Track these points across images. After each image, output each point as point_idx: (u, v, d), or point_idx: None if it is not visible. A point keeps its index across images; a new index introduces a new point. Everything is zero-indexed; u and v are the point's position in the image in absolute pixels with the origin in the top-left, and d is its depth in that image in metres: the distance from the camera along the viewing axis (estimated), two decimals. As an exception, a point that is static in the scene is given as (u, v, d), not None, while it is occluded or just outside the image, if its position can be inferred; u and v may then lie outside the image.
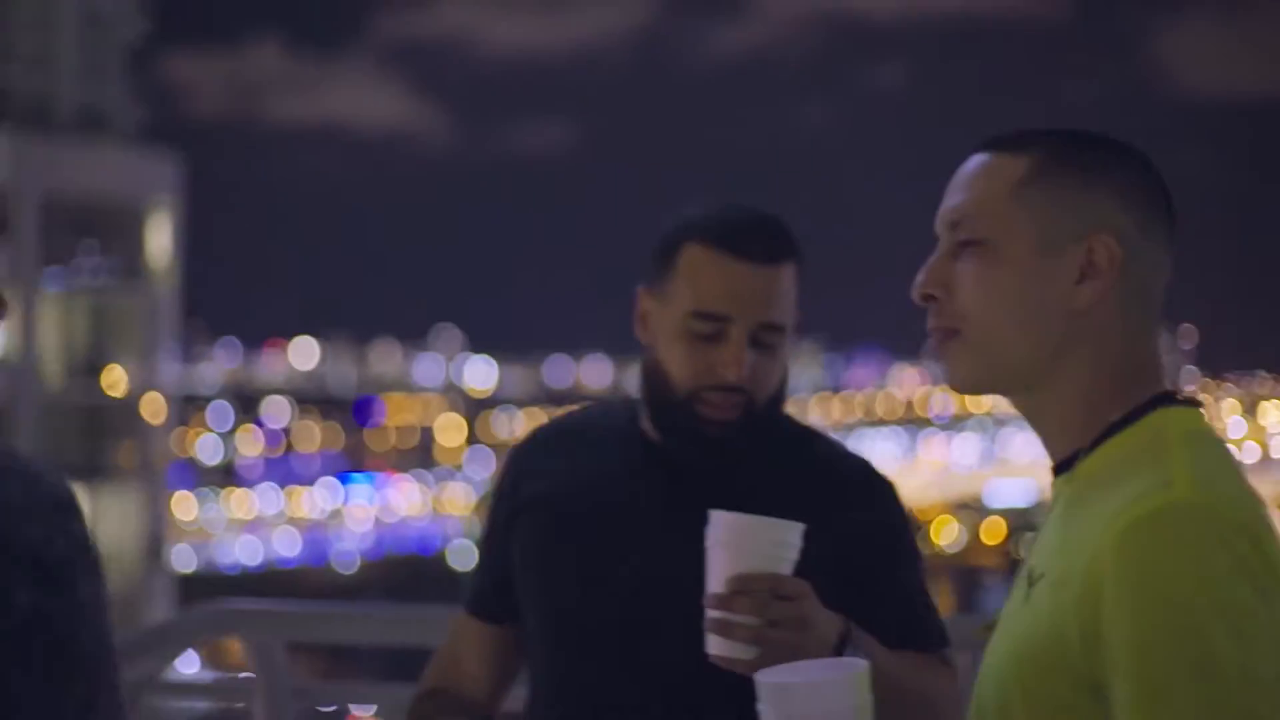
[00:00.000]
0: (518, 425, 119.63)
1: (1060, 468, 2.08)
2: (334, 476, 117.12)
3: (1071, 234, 2.04)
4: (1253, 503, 1.90)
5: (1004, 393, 2.10)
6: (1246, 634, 1.78)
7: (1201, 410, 2.05)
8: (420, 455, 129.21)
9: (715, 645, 2.51)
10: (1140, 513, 1.85)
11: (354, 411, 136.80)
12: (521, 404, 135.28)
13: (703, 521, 2.59)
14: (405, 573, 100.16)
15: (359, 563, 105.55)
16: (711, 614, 2.50)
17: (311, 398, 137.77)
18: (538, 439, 3.13)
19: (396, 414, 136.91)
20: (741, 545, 2.50)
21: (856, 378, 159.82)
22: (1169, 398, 2.04)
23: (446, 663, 3.18)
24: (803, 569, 2.53)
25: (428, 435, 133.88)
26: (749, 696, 2.40)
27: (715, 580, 2.51)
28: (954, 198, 2.11)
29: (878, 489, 2.95)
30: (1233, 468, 1.97)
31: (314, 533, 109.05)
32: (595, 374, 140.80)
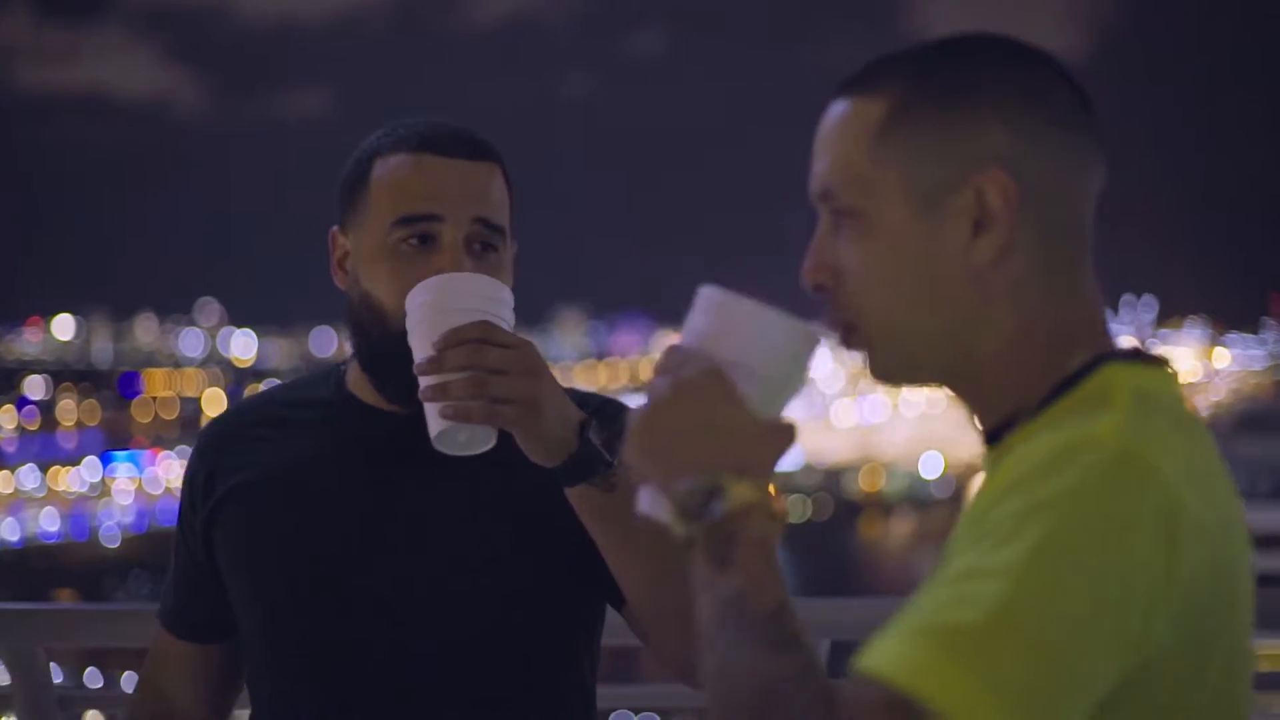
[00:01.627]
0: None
1: (991, 437, 1.72)
2: (97, 457, 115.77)
3: (951, 180, 1.65)
4: (1204, 490, 1.55)
5: (934, 382, 1.74)
6: (1066, 606, 1.43)
7: (1166, 370, 1.68)
8: (187, 429, 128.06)
9: (437, 420, 2.24)
10: (1045, 449, 1.53)
11: (119, 386, 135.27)
12: (286, 376, 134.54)
13: (431, 488, 2.44)
14: (171, 544, 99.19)
15: (122, 536, 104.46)
16: (425, 384, 2.23)
17: (71, 374, 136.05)
18: (228, 425, 2.65)
19: (160, 388, 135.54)
20: (446, 304, 2.25)
21: (620, 344, 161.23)
22: (1124, 354, 1.68)
23: (152, 692, 2.75)
24: (555, 494, 2.32)
25: (195, 409, 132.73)
26: (500, 689, 2.46)
27: (422, 349, 2.26)
28: (817, 162, 1.73)
29: (617, 410, 2.45)
30: (1192, 441, 1.60)
31: (78, 508, 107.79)
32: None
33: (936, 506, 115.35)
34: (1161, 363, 1.68)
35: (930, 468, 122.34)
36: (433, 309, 2.25)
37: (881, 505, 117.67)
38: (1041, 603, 1.41)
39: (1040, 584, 1.42)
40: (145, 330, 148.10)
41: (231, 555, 2.54)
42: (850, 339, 1.72)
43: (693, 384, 1.66)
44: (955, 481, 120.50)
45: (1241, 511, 1.63)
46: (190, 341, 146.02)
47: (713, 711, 1.52)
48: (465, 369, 2.21)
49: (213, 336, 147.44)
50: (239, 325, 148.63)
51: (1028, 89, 1.67)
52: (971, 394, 1.71)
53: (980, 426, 1.72)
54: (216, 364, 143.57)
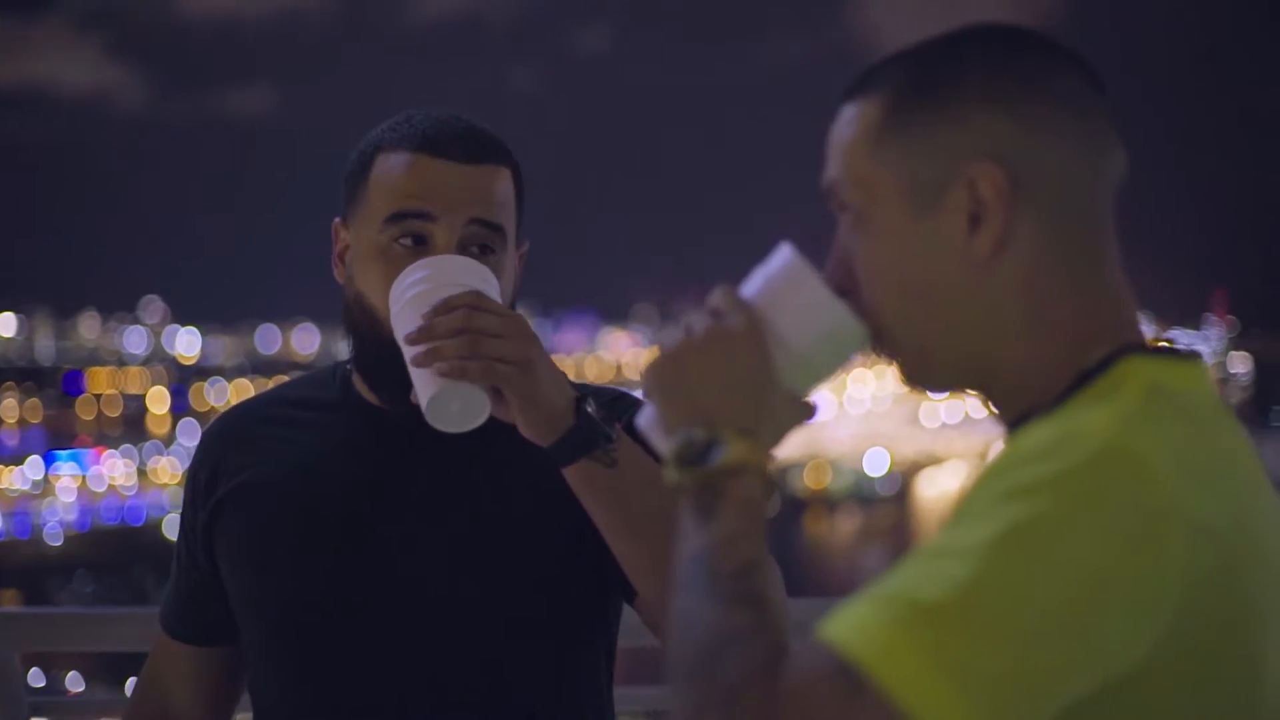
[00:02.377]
0: (228, 396, 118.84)
1: (1010, 430, 1.67)
2: (39, 455, 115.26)
3: (945, 175, 1.61)
4: (1217, 493, 1.48)
5: (960, 386, 1.69)
6: (1029, 594, 1.37)
7: (1194, 365, 1.61)
8: (130, 427, 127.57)
9: (428, 385, 2.19)
10: (1038, 438, 1.49)
11: (62, 384, 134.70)
12: (231, 374, 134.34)
13: (437, 491, 2.41)
14: (115, 543, 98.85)
15: (66, 535, 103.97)
16: (416, 352, 2.20)
17: (14, 372, 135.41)
18: (231, 424, 2.58)
19: (103, 386, 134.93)
20: (434, 280, 2.23)
21: (566, 341, 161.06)
22: (1148, 348, 1.61)
23: (151, 695, 2.69)
24: (562, 490, 2.28)
25: (139, 407, 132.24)
26: (512, 688, 2.41)
27: (412, 323, 2.22)
28: (827, 167, 1.71)
29: (632, 403, 2.46)
30: (1210, 440, 1.54)
31: (21, 506, 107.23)
32: (304, 342, 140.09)
33: (882, 504, 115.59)
34: (1190, 357, 1.62)
35: (876, 465, 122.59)
36: (422, 284, 2.23)
37: (827, 502, 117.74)
38: (1003, 589, 1.37)
39: (1005, 570, 1.37)
40: (88, 328, 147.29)
41: (234, 556, 2.49)
42: (878, 344, 1.69)
43: (730, 335, 1.66)
44: (901, 479, 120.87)
45: (1276, 515, 1.56)
46: (134, 339, 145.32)
47: (668, 657, 1.51)
48: (459, 333, 2.17)
49: (157, 334, 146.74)
50: (183, 323, 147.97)
51: (1024, 76, 1.62)
52: (995, 394, 1.66)
53: (1002, 423, 1.67)
54: (160, 362, 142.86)
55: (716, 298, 1.69)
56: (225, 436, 2.55)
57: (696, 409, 1.63)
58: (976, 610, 1.36)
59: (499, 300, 2.27)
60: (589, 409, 2.23)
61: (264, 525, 2.45)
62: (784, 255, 1.70)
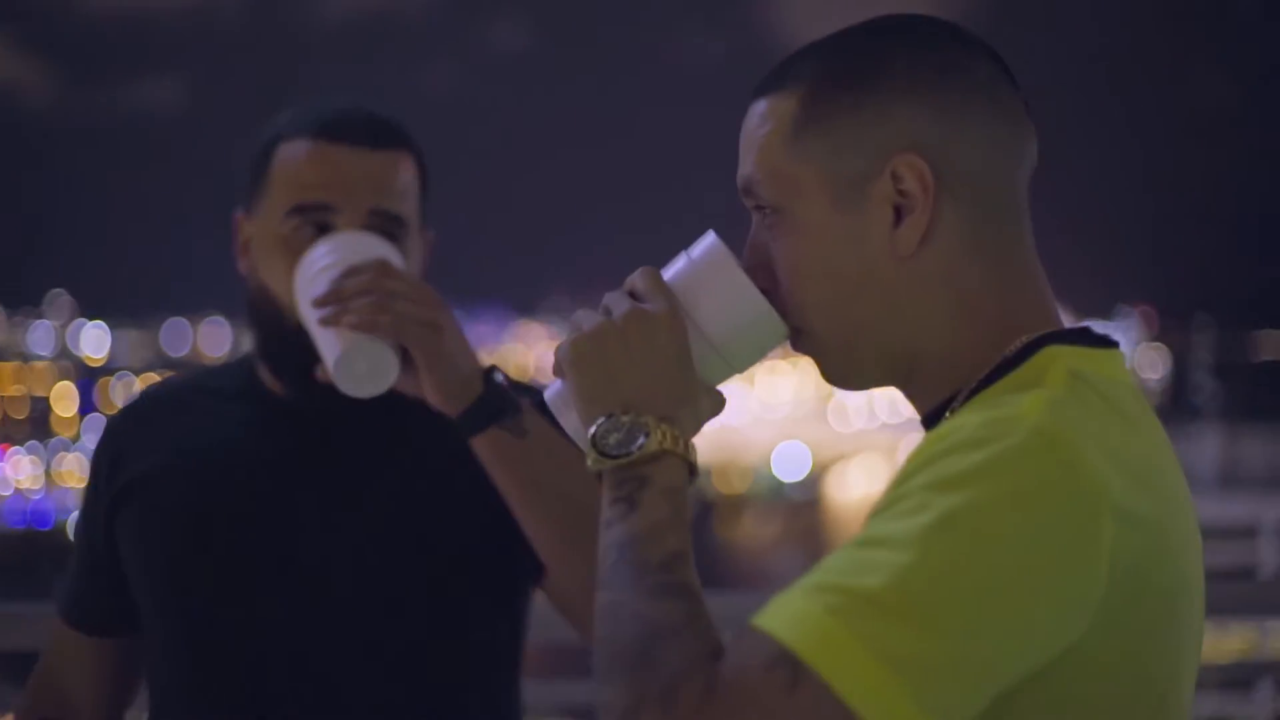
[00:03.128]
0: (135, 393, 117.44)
1: (929, 421, 1.65)
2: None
3: (867, 169, 1.58)
4: (1138, 479, 1.47)
5: (883, 381, 1.67)
6: (965, 582, 1.37)
7: (1112, 352, 1.61)
8: (36, 427, 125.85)
9: (335, 344, 2.18)
10: (966, 426, 1.46)
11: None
12: (139, 371, 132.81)
13: (341, 479, 2.38)
14: (21, 546, 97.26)
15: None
16: (319, 314, 2.21)
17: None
18: (135, 412, 2.56)
19: (7, 385, 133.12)
20: (347, 250, 2.24)
21: (478, 334, 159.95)
22: (1068, 335, 1.60)
23: (48, 685, 2.61)
24: (471, 469, 2.27)
25: (45, 406, 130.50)
26: (429, 676, 2.38)
27: (319, 290, 2.23)
28: (741, 164, 1.66)
29: (536, 391, 2.26)
30: (1129, 426, 1.53)
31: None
32: (214, 338, 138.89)
33: (794, 507, 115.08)
34: (1108, 344, 1.62)
35: (793, 469, 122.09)
36: (329, 256, 2.25)
37: (742, 505, 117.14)
38: (939, 576, 1.36)
39: (940, 558, 1.36)
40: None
41: (134, 545, 2.46)
42: (797, 342, 1.67)
43: (648, 320, 1.62)
44: (814, 481, 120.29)
45: (1189, 503, 1.57)
46: (39, 337, 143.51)
47: (597, 651, 1.48)
48: (367, 293, 2.20)
49: (63, 331, 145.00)
50: (90, 318, 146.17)
51: (943, 67, 1.60)
52: (914, 387, 1.65)
53: (919, 414, 1.66)
54: (67, 359, 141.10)
55: (637, 279, 1.66)
56: (129, 422, 2.55)
57: (616, 393, 1.61)
58: (913, 598, 1.35)
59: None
60: (498, 378, 2.25)
61: (164, 515, 2.44)
62: (708, 242, 1.67)
